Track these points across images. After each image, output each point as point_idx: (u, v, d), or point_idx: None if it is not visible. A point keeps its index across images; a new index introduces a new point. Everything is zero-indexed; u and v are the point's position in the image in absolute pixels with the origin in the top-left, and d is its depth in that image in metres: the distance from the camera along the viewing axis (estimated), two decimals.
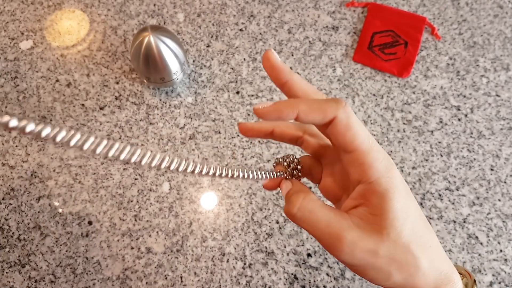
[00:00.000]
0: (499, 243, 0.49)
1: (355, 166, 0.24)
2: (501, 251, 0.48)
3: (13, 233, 0.49)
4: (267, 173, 0.26)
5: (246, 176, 0.24)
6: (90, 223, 0.49)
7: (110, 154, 0.18)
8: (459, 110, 0.55)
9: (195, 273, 0.47)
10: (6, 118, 0.15)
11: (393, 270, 0.23)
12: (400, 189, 0.23)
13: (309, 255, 0.48)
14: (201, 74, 0.57)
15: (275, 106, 0.22)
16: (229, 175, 0.23)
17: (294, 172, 0.27)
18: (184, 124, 0.54)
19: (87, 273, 0.47)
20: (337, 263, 0.47)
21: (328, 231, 0.23)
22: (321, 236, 0.24)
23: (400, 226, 0.23)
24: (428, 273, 0.23)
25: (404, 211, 0.23)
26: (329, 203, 0.29)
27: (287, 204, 0.25)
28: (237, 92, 0.56)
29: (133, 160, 0.19)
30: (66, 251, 0.48)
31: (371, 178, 0.23)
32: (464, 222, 0.50)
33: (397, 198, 0.23)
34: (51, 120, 0.54)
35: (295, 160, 0.28)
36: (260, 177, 0.25)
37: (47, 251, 0.48)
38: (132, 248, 0.48)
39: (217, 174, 0.23)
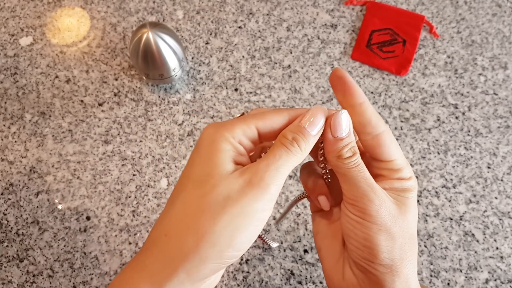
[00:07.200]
0: (495, 240, 0.49)
1: (390, 171, 0.27)
2: (497, 248, 0.49)
3: (11, 227, 0.49)
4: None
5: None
6: (88, 218, 0.49)
7: None
8: (457, 108, 0.56)
9: None
10: None
11: (401, 244, 0.25)
12: None
13: (305, 251, 0.48)
14: (199, 71, 0.57)
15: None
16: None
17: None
18: (183, 121, 0.54)
19: (84, 268, 0.47)
20: None
21: (367, 178, 0.26)
22: (358, 181, 0.26)
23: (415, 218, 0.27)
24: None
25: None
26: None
27: None
28: (236, 89, 0.56)
29: None
30: (64, 246, 0.48)
31: (406, 176, 0.27)
32: (461, 219, 0.50)
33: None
34: (50, 116, 0.54)
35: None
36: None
37: (45, 246, 0.48)
38: (130, 243, 0.48)
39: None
